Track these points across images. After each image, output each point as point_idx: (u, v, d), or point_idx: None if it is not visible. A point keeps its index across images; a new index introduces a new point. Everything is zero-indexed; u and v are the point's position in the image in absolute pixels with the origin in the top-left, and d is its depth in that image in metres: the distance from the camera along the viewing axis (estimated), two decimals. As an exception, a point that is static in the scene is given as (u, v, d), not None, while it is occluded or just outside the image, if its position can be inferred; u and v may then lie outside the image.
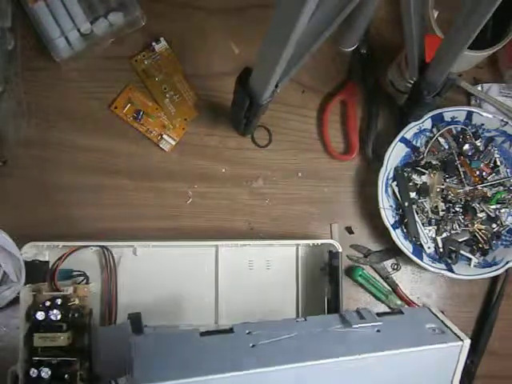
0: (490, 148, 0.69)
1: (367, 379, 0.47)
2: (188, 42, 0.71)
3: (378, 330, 0.49)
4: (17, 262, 0.57)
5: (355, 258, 0.69)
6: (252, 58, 0.49)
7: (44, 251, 0.62)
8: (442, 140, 0.69)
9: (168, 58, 0.70)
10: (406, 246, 0.65)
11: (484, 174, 0.69)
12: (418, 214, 0.68)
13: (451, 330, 0.49)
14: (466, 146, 0.68)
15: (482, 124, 0.68)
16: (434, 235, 0.68)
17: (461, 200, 0.68)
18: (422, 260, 0.65)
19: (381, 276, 0.70)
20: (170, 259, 0.64)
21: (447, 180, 0.68)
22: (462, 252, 0.67)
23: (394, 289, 0.69)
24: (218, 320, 0.63)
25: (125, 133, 0.69)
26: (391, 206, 0.67)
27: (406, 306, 0.69)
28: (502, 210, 0.69)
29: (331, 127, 0.71)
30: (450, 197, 0.68)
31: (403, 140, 0.67)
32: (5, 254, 0.56)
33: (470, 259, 0.67)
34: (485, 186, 0.68)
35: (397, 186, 0.68)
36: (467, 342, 0.48)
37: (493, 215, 0.68)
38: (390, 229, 0.65)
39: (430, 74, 0.56)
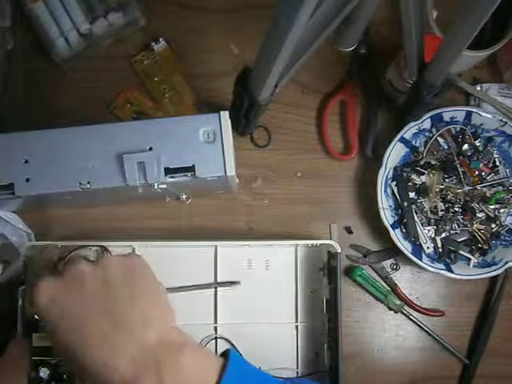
0: (489, 148, 0.69)
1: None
2: (187, 42, 0.71)
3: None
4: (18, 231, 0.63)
5: (354, 257, 0.69)
6: (252, 58, 0.49)
7: (43, 251, 0.61)
8: (441, 140, 0.69)
9: (167, 58, 0.70)
10: (405, 246, 0.65)
11: (483, 174, 0.69)
12: (417, 214, 0.68)
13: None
14: (465, 146, 0.68)
15: (482, 124, 0.68)
16: (433, 235, 0.68)
17: (460, 200, 0.68)
18: (421, 260, 0.65)
19: (380, 276, 0.70)
20: (170, 259, 0.64)
21: (446, 180, 0.68)
22: (461, 252, 0.67)
23: (393, 289, 0.69)
24: (218, 320, 0.63)
25: (124, 133, 0.69)
26: (390, 206, 0.67)
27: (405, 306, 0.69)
28: (502, 210, 0.68)
29: (331, 127, 0.71)
30: (449, 197, 0.68)
31: (402, 140, 0.67)
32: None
33: (469, 259, 0.67)
34: (484, 186, 0.68)
35: (396, 186, 0.68)
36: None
37: (492, 215, 0.68)
38: (390, 229, 0.65)
39: (430, 74, 0.56)
